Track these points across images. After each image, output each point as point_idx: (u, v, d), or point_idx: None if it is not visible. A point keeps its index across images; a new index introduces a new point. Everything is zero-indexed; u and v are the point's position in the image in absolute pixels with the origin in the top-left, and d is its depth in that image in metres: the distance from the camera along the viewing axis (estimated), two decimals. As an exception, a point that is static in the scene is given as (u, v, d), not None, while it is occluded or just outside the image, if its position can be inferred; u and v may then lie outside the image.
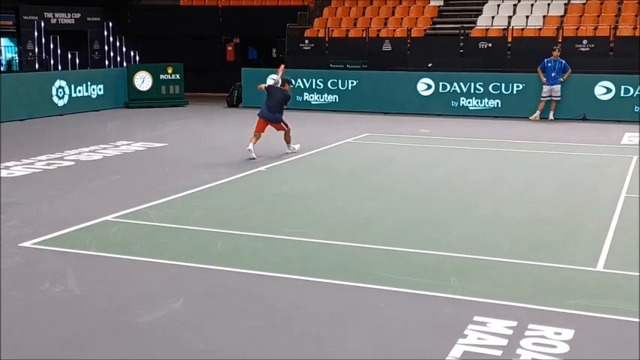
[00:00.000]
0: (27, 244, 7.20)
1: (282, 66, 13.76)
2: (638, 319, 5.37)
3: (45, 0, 23.52)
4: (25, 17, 21.84)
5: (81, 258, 6.84)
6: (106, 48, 22.63)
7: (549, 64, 17.74)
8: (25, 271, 6.48)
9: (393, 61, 20.23)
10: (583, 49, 18.96)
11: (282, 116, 12.70)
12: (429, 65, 19.71)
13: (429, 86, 19.04)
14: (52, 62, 21.22)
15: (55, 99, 18.44)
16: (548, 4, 21.15)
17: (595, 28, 19.70)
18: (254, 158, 12.02)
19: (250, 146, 12.24)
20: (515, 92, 18.40)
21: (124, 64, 22.29)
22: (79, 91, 19.18)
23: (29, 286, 6.05)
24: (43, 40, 21.33)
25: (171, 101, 20.65)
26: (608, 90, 17.66)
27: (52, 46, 21.31)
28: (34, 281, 6.17)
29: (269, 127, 12.64)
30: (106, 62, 22.51)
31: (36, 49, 21.34)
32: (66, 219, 8.12)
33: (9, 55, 24.97)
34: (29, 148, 13.06)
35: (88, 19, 23.37)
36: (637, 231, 7.79)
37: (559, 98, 17.81)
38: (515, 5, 21.50)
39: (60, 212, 8.53)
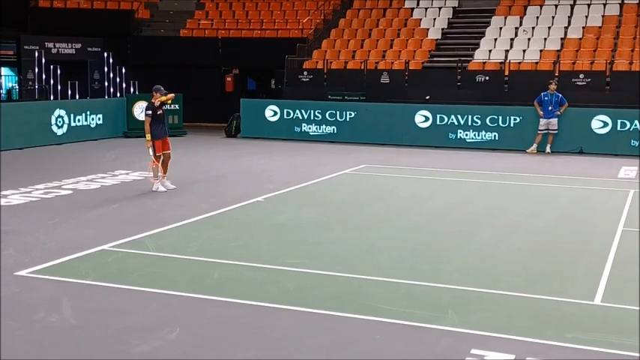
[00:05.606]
0: (23, 272, 7.17)
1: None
2: (637, 354, 5.34)
3: (46, 30, 23.75)
4: (25, 47, 22.04)
5: (77, 287, 6.81)
6: (106, 78, 22.76)
7: (546, 98, 17.86)
8: (21, 300, 6.44)
9: (391, 93, 20.37)
10: (579, 83, 19.13)
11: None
12: (427, 97, 19.84)
13: (427, 118, 19.13)
14: (51, 92, 21.32)
15: (55, 128, 18.50)
16: (545, 39, 21.35)
17: (591, 63, 19.88)
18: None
19: (166, 183, 12.27)
20: (512, 125, 18.50)
21: (124, 93, 22.39)
22: (79, 121, 19.25)
23: (25, 316, 6.01)
24: (44, 70, 21.46)
25: (170, 131, 20.42)
26: (605, 124, 17.75)
27: (52, 75, 21.43)
28: (29, 310, 6.13)
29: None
30: (106, 92, 22.63)
31: (36, 79, 21.47)
32: (62, 248, 8.11)
33: (9, 85, 25.12)
34: (27, 177, 13.05)
35: (89, 49, 23.57)
36: (635, 265, 7.78)
37: (556, 131, 17.91)
38: (512, 39, 21.71)
39: (57, 241, 8.51)
